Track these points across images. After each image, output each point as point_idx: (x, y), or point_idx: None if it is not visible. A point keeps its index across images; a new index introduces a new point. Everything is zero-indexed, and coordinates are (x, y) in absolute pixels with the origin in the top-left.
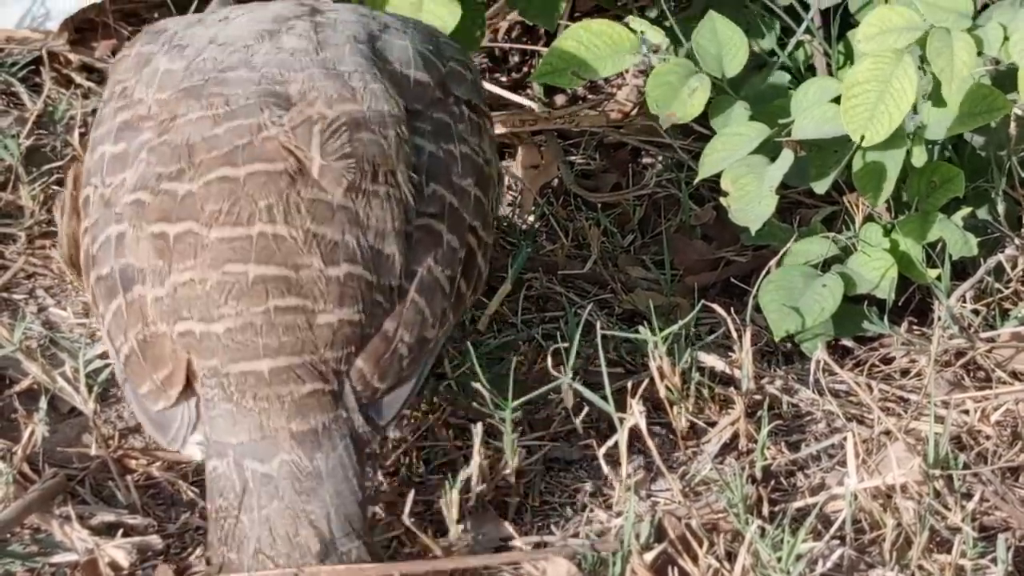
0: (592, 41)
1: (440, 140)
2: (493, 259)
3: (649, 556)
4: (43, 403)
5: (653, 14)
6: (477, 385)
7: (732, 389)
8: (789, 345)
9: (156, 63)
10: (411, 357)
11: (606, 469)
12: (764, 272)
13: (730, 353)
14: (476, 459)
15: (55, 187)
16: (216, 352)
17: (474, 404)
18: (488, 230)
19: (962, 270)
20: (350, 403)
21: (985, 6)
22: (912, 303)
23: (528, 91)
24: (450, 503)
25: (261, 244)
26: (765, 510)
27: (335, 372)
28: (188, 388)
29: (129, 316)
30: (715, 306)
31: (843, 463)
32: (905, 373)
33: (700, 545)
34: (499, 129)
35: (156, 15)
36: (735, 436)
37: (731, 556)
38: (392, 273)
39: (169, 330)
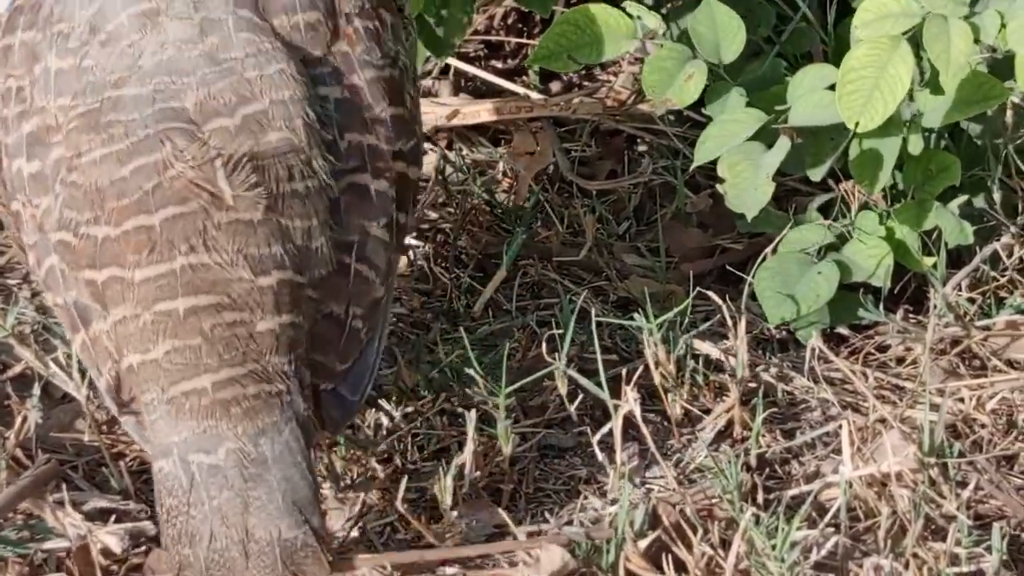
0: (588, 26)
1: (342, 78)
2: (489, 244)
3: (643, 543)
4: (36, 389)
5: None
6: (471, 372)
7: (727, 376)
8: (784, 333)
9: (46, 61)
10: (368, 325)
11: (600, 456)
12: (760, 259)
13: (725, 340)
14: (470, 446)
15: None
16: (156, 377)
17: (467, 391)
18: (412, 128)
19: (958, 258)
20: (295, 392)
21: None
22: (908, 291)
23: (524, 78)
24: (444, 490)
25: (186, 278)
26: (760, 498)
27: (282, 374)
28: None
29: (96, 353)
30: (710, 293)
31: (838, 451)
32: (900, 361)
33: (694, 532)
34: (495, 116)
35: None
36: (730, 423)
37: (725, 543)
38: (323, 263)
39: (118, 364)
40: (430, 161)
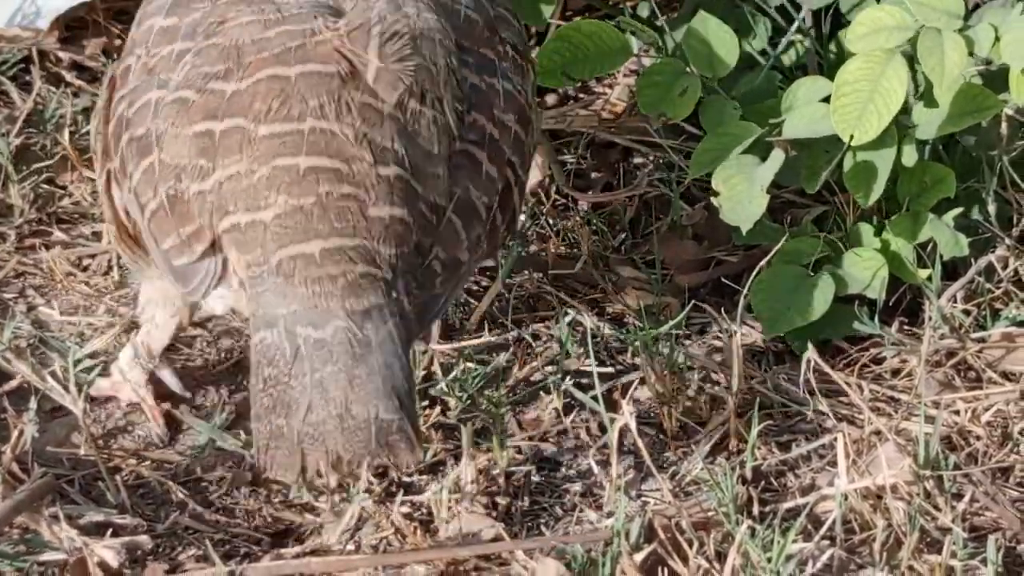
0: (583, 42)
1: (484, 74)
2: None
3: (639, 556)
4: (32, 403)
5: (644, 13)
6: (467, 385)
7: (722, 389)
8: (780, 345)
9: None
10: (444, 276)
11: (596, 469)
12: (755, 272)
13: (721, 353)
14: (466, 459)
15: (45, 186)
16: (263, 241)
17: (463, 404)
18: (525, 171)
19: (953, 270)
20: (401, 290)
21: (977, 6)
22: (903, 303)
23: None
24: (440, 503)
25: (312, 139)
26: (755, 510)
27: (388, 264)
28: (214, 246)
29: (162, 171)
30: (706, 306)
31: (833, 463)
32: (896, 373)
33: (690, 545)
34: None
35: None
36: (725, 436)
37: (721, 556)
38: (436, 190)
39: (213, 225)
40: None
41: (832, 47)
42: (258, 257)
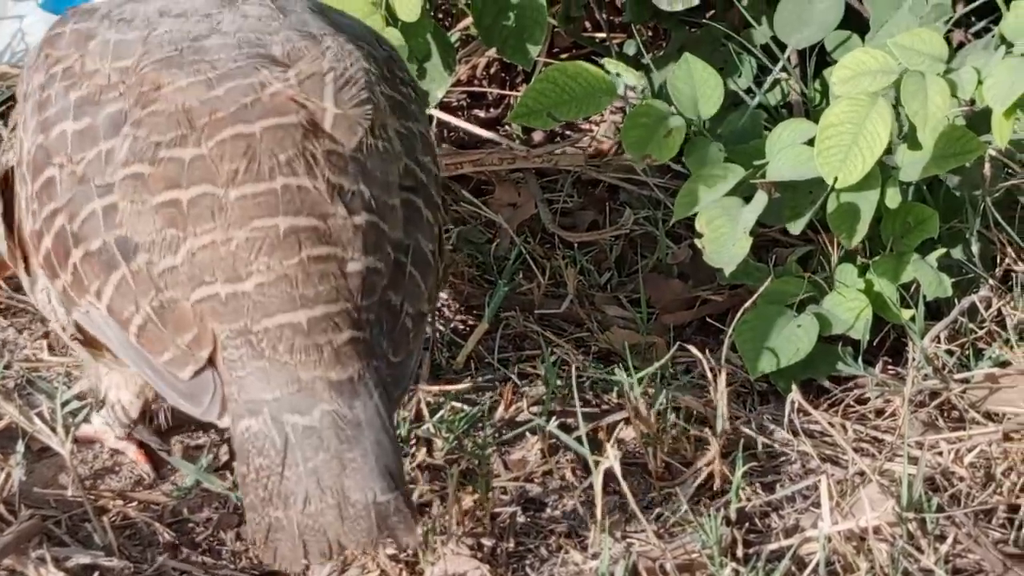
0: (568, 83)
1: (400, 117)
2: (471, 296)
3: None
4: (20, 445)
5: (631, 51)
6: (452, 425)
7: (707, 429)
8: (764, 385)
9: (103, 36)
10: (415, 331)
11: (581, 510)
12: (740, 312)
13: (705, 393)
14: (451, 500)
15: None
16: (245, 311)
17: (449, 444)
18: (440, 200)
19: (936, 310)
20: (379, 352)
21: (961, 44)
22: (887, 343)
23: (507, 128)
24: (425, 545)
25: (287, 197)
26: (740, 552)
27: (367, 321)
28: (215, 354)
29: (137, 285)
30: (691, 347)
31: (817, 504)
32: (879, 413)
33: None
34: (477, 168)
35: None
36: (710, 477)
37: None
38: (397, 225)
39: (186, 297)
40: None
41: (817, 85)
42: (241, 328)
